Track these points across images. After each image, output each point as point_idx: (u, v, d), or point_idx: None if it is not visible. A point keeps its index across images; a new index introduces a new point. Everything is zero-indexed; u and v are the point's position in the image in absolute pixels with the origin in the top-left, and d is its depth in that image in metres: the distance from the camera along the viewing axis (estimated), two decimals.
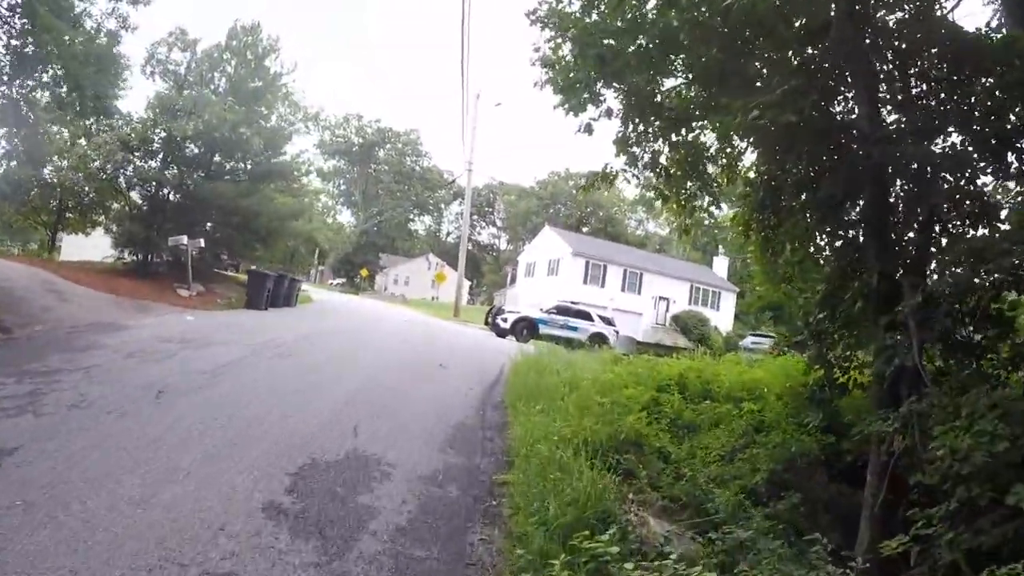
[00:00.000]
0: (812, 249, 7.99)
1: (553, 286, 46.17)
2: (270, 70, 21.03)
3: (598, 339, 24.42)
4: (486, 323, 27.27)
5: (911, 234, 6.58)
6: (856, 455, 6.65)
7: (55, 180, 17.64)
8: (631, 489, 6.04)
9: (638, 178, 8.51)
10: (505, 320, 24.53)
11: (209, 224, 20.03)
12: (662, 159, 8.67)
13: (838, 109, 7.09)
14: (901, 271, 6.12)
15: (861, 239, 6.91)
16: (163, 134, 18.42)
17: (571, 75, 7.86)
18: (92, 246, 21.08)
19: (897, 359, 5.39)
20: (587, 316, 25.94)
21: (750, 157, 8.68)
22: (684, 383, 9.57)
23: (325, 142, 70.72)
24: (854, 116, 6.79)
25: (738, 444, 7.52)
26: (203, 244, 18.07)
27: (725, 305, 52.04)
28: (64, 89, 12.31)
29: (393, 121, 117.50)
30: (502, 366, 12.89)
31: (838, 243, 7.33)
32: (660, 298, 48.45)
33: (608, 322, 26.42)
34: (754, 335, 30.53)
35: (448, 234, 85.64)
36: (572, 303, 27.34)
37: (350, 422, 6.99)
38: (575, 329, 24.79)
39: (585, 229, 70.70)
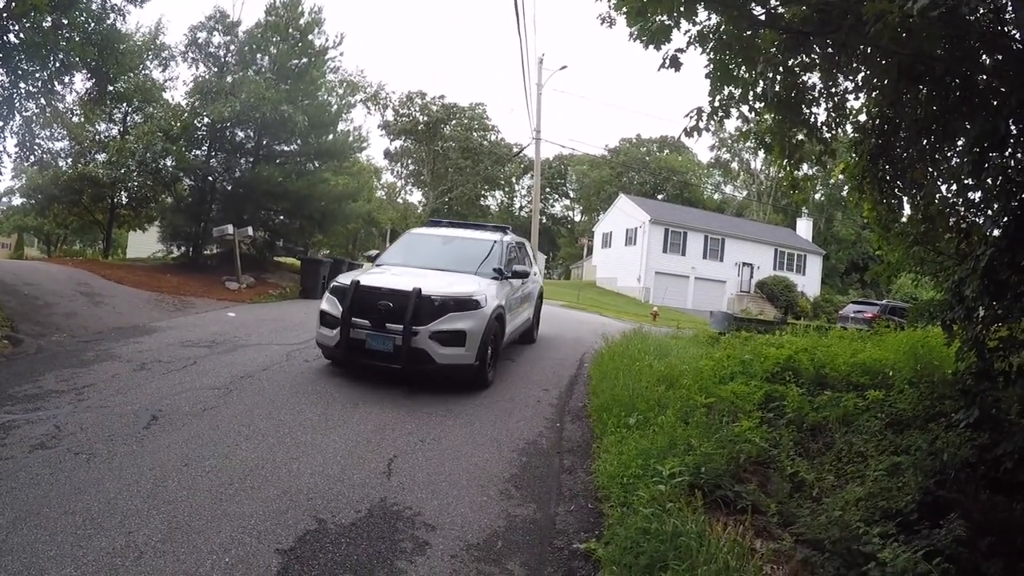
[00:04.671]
0: (947, 205, 6.64)
1: (632, 256, 44.32)
2: (314, 44, 19.61)
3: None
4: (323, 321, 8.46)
5: None
6: (1017, 459, 5.35)
7: (100, 175, 16.90)
8: (757, 535, 4.47)
9: (745, 118, 6.57)
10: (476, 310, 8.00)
11: (263, 212, 19.07)
12: (756, 103, 6.83)
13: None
14: None
15: None
16: (206, 120, 17.45)
17: None
18: (155, 242, 20.51)
19: None
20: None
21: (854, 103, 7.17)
22: (796, 367, 8.24)
23: (389, 123, 69.83)
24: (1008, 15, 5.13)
25: (869, 449, 6.11)
26: (251, 233, 16.95)
27: (811, 269, 48.98)
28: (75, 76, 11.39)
29: (457, 96, 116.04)
30: (580, 357, 11.22)
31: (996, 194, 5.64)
32: (743, 264, 45.71)
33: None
34: (856, 303, 27.03)
35: (521, 208, 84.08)
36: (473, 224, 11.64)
37: (383, 456, 5.50)
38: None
39: (660, 196, 67.74)
